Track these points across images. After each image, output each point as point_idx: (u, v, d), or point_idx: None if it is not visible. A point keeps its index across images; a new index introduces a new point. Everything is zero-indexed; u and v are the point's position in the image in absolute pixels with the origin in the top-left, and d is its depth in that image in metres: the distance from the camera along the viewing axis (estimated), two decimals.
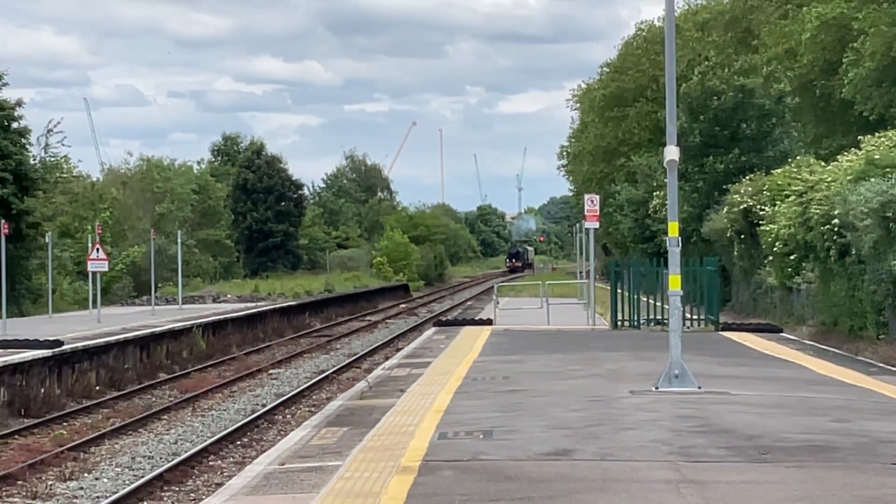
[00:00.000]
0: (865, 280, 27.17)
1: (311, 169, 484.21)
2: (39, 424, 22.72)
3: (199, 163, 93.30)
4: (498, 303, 37.52)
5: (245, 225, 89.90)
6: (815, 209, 30.13)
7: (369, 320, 55.20)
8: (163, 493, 16.62)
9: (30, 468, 17.99)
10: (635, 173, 61.38)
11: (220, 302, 55.24)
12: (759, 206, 37.22)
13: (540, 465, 11.21)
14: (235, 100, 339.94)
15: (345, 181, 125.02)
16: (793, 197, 33.39)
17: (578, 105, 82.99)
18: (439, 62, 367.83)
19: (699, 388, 16.86)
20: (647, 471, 10.81)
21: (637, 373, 19.64)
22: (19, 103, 48.49)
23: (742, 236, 39.56)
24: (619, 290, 33.38)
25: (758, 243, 37.03)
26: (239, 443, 20.79)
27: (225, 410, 25.26)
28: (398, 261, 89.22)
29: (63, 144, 61.34)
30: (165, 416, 24.21)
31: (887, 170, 27.77)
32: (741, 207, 38.66)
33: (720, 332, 30.73)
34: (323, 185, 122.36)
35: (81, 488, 17.02)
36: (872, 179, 27.25)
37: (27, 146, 48.96)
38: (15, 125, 47.71)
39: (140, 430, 22.47)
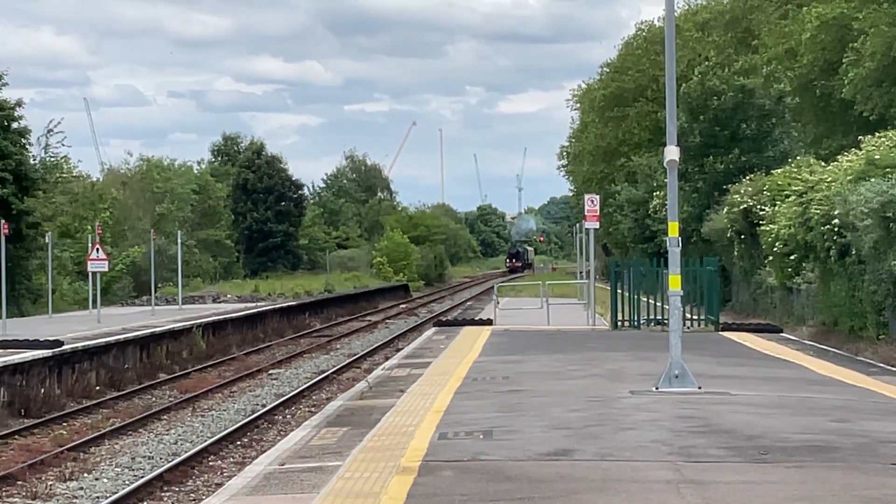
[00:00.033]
0: (865, 280, 27.17)
1: (311, 169, 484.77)
2: (39, 424, 22.72)
3: (199, 163, 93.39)
4: (498, 303, 37.52)
5: (245, 225, 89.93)
6: (815, 209, 30.13)
7: (369, 320, 55.18)
8: (163, 494, 16.61)
9: (30, 468, 17.98)
10: (635, 173, 61.38)
11: (220, 302, 55.22)
12: (759, 207, 37.22)
13: (540, 466, 11.20)
14: (235, 100, 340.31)
15: (345, 181, 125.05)
16: (793, 197, 33.39)
17: (578, 105, 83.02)
18: (439, 62, 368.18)
19: (699, 388, 16.85)
20: (647, 471, 10.80)
21: (637, 373, 19.64)
22: (19, 103, 48.54)
23: (742, 236, 39.56)
24: (619, 291, 33.38)
25: (758, 243, 37.02)
26: (239, 443, 20.79)
27: (225, 411, 25.26)
28: (398, 261, 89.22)
29: (63, 144, 61.34)
30: (165, 417, 24.20)
31: (887, 170, 27.77)
32: (741, 207, 38.65)
33: (720, 333, 30.72)
34: (323, 185, 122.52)
35: (81, 488, 17.02)
36: (872, 179, 27.25)
37: (27, 146, 48.98)
38: (15, 125, 47.71)
39: (140, 430, 22.47)
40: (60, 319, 39.81)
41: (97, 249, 39.25)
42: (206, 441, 20.53)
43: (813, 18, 48.92)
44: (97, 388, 27.45)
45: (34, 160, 51.78)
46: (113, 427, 22.23)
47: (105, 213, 61.91)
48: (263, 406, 25.48)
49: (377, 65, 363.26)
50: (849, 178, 29.39)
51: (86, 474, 18.02)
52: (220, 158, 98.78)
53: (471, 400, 16.59)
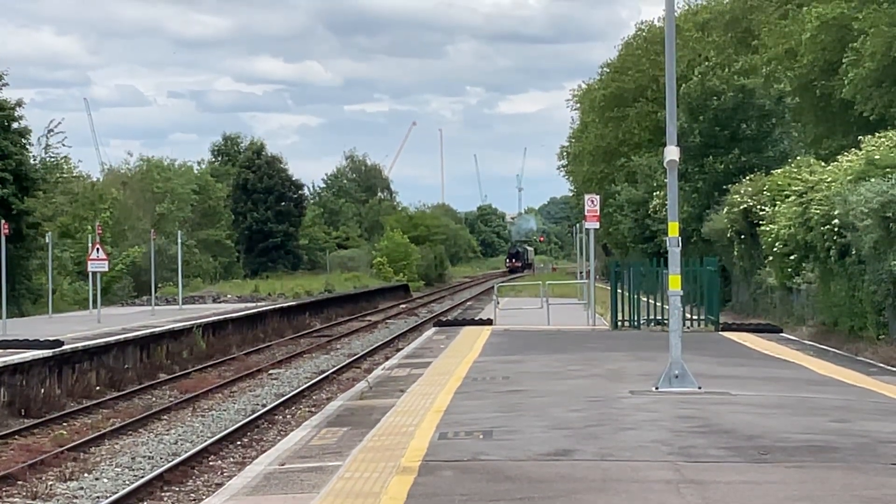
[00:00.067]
0: (865, 280, 27.17)
1: (311, 169, 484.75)
2: (39, 424, 22.72)
3: (199, 163, 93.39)
4: (498, 303, 37.53)
5: (245, 225, 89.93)
6: (815, 209, 30.13)
7: (369, 320, 55.18)
8: (163, 494, 16.61)
9: (30, 468, 17.98)
10: (635, 173, 61.38)
11: (220, 302, 55.23)
12: (759, 207, 37.23)
13: (540, 466, 11.21)
14: (235, 100, 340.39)
15: (345, 181, 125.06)
16: (793, 197, 33.39)
17: (578, 105, 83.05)
18: (439, 62, 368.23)
19: (699, 388, 16.86)
20: (647, 471, 10.80)
21: (637, 373, 19.64)
22: (19, 103, 48.56)
23: (742, 236, 39.57)
24: (619, 291, 33.38)
25: (758, 243, 37.03)
26: (239, 443, 20.79)
27: (225, 411, 25.26)
28: (398, 261, 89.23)
29: (63, 145, 61.40)
30: (165, 417, 24.20)
31: (887, 170, 27.77)
32: (741, 207, 38.66)
33: (720, 333, 30.72)
34: (323, 186, 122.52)
35: (81, 488, 17.03)
36: (872, 179, 27.25)
37: (27, 146, 48.99)
38: (15, 125, 47.73)
39: (140, 430, 22.47)
40: (60, 319, 39.81)
41: (97, 249, 39.25)
42: (206, 441, 20.53)
43: (813, 18, 48.90)
44: (97, 388, 27.45)
45: (34, 160, 51.80)
46: (113, 427, 22.23)
47: (105, 213, 61.93)
48: (263, 406, 25.48)
49: (377, 65, 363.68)
50: (849, 178, 29.40)
51: (86, 474, 18.02)
52: (220, 158, 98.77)
53: (471, 400, 16.60)
